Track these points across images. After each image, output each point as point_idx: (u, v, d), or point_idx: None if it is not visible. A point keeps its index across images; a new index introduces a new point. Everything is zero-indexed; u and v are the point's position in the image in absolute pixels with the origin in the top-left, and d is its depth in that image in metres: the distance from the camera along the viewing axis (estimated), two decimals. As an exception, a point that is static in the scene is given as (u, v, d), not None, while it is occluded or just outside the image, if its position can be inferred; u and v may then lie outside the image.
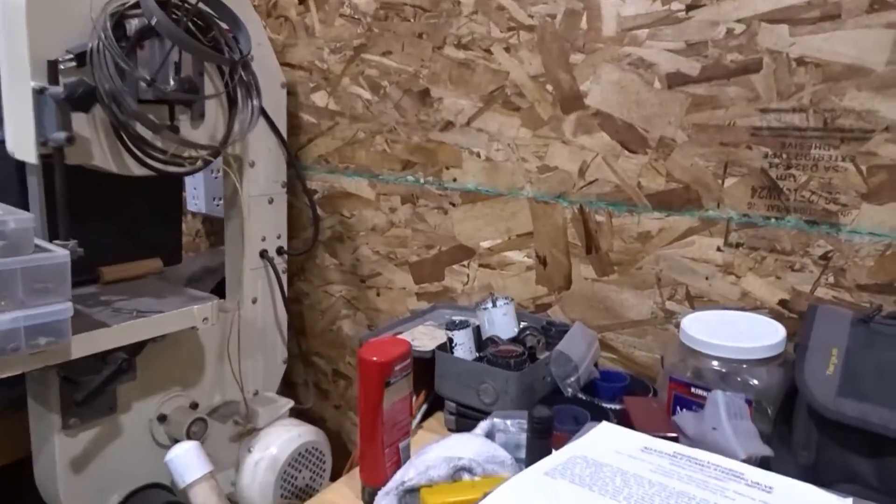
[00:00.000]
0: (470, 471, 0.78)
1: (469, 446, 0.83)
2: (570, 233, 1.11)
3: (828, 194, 0.90)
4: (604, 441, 0.72)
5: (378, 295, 1.37)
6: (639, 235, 1.05)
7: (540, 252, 1.15)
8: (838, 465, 0.79)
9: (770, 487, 0.62)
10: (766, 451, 0.74)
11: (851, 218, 0.89)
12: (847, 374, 0.79)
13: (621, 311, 1.09)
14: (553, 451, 0.79)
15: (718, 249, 0.99)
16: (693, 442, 0.81)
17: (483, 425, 0.89)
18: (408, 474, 0.79)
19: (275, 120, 1.31)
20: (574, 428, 0.90)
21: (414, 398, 1.09)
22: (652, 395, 1.00)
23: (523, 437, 0.87)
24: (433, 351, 1.02)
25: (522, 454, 0.87)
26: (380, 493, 0.79)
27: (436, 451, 0.82)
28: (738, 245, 0.98)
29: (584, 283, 1.12)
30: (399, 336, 1.16)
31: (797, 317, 0.95)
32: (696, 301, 1.02)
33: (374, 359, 0.80)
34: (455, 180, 1.22)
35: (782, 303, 0.96)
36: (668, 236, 1.03)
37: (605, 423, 0.75)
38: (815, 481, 0.80)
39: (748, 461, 0.73)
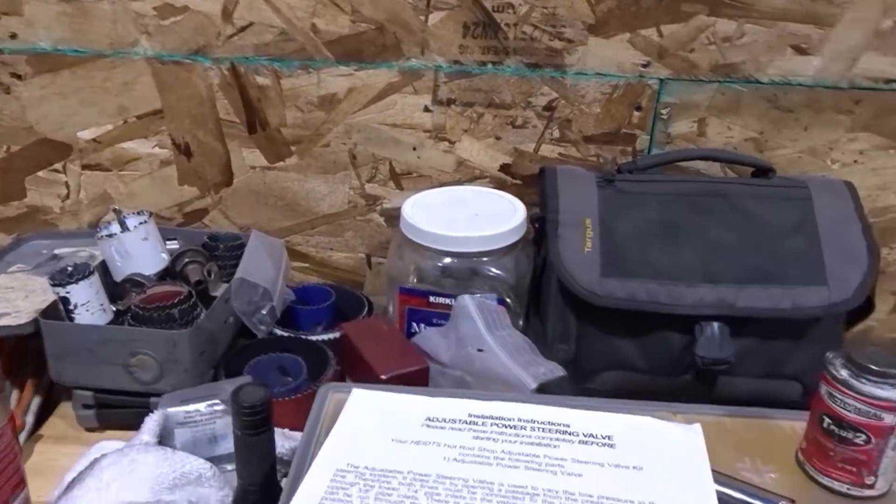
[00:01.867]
0: (151, 524, 0.47)
1: (140, 472, 0.51)
2: (222, 105, 0.77)
3: (552, 28, 0.72)
4: (367, 426, 0.47)
5: (-86, 232, 0.85)
6: (321, 100, 0.77)
7: (178, 137, 0.79)
8: (602, 353, 0.67)
9: (608, 437, 0.46)
10: (558, 370, 0.58)
11: (577, 56, 0.73)
12: (607, 248, 0.66)
13: (308, 204, 0.82)
14: (276, 435, 0.52)
15: (426, 110, 0.77)
16: (457, 370, 0.62)
17: (150, 424, 0.57)
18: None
19: None
20: (289, 386, 0.64)
21: (14, 396, 0.69)
22: (368, 310, 0.77)
23: (219, 423, 0.59)
24: (35, 322, 0.63)
25: (223, 450, 0.59)
26: None
27: (87, 498, 0.49)
28: (449, 102, 0.76)
29: (251, 173, 0.80)
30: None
31: (521, 182, 0.79)
32: (404, 179, 0.80)
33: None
34: (15, 37, 0.76)
35: (504, 168, 0.79)
36: (361, 98, 0.76)
37: (356, 393, 0.50)
38: (577, 375, 0.68)
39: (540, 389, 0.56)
